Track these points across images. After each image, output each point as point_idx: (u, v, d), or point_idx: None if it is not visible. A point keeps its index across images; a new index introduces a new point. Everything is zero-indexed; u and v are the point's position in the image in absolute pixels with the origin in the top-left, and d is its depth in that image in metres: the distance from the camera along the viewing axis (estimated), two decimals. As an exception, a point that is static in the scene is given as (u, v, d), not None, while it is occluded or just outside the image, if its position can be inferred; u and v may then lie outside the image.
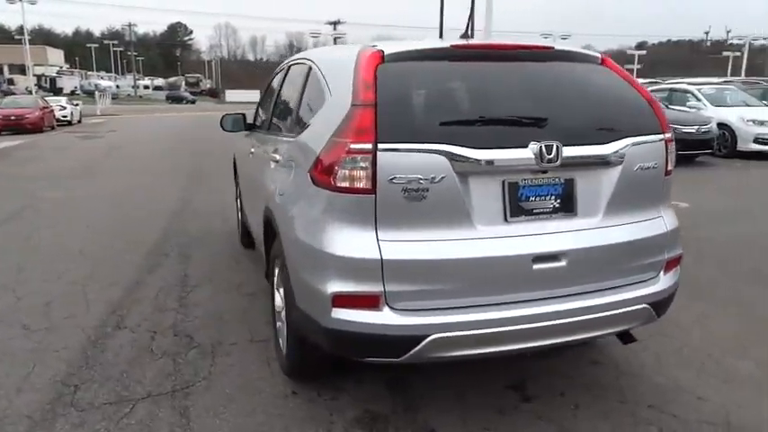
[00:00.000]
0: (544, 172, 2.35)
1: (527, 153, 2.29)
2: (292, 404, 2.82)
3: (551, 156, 2.29)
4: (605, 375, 3.07)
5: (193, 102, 66.78)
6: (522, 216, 2.35)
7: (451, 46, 2.48)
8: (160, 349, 3.40)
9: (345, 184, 2.24)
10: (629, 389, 2.93)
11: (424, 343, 2.22)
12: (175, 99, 67.42)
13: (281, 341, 3.11)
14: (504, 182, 2.32)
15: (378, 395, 2.89)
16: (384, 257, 2.21)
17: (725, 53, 50.69)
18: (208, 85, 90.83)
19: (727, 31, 65.73)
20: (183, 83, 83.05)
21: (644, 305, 2.52)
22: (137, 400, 2.84)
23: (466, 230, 2.28)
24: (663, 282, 2.62)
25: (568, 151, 2.33)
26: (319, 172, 2.36)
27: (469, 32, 2.76)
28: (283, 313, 2.95)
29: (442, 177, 2.22)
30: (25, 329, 3.67)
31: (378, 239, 2.23)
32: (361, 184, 2.22)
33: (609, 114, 2.54)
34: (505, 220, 2.34)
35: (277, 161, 3.06)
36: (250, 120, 4.69)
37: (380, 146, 2.19)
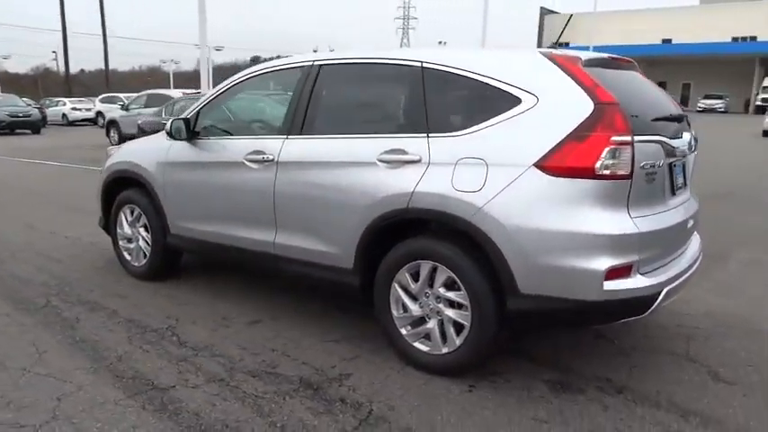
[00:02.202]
0: (684, 156, 3.09)
1: (683, 142, 3.01)
2: (490, 395, 2.85)
3: (693, 143, 3.07)
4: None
5: None
6: (677, 190, 3.05)
7: (610, 57, 2.99)
8: (263, 393, 2.85)
9: (607, 172, 2.55)
10: (667, 321, 3.79)
11: (661, 296, 2.70)
12: None
13: (417, 344, 3.08)
14: (671, 164, 2.96)
15: (523, 367, 3.13)
16: (640, 231, 2.62)
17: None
18: None
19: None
20: None
21: (701, 253, 3.51)
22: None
23: (663, 204, 2.88)
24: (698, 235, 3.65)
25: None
26: (564, 164, 2.57)
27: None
28: (446, 311, 2.92)
29: (662, 162, 2.77)
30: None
31: (631, 216, 2.63)
32: (622, 171, 2.56)
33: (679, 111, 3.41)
34: (673, 193, 3.00)
35: (415, 161, 2.92)
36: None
37: (635, 137, 2.59)
